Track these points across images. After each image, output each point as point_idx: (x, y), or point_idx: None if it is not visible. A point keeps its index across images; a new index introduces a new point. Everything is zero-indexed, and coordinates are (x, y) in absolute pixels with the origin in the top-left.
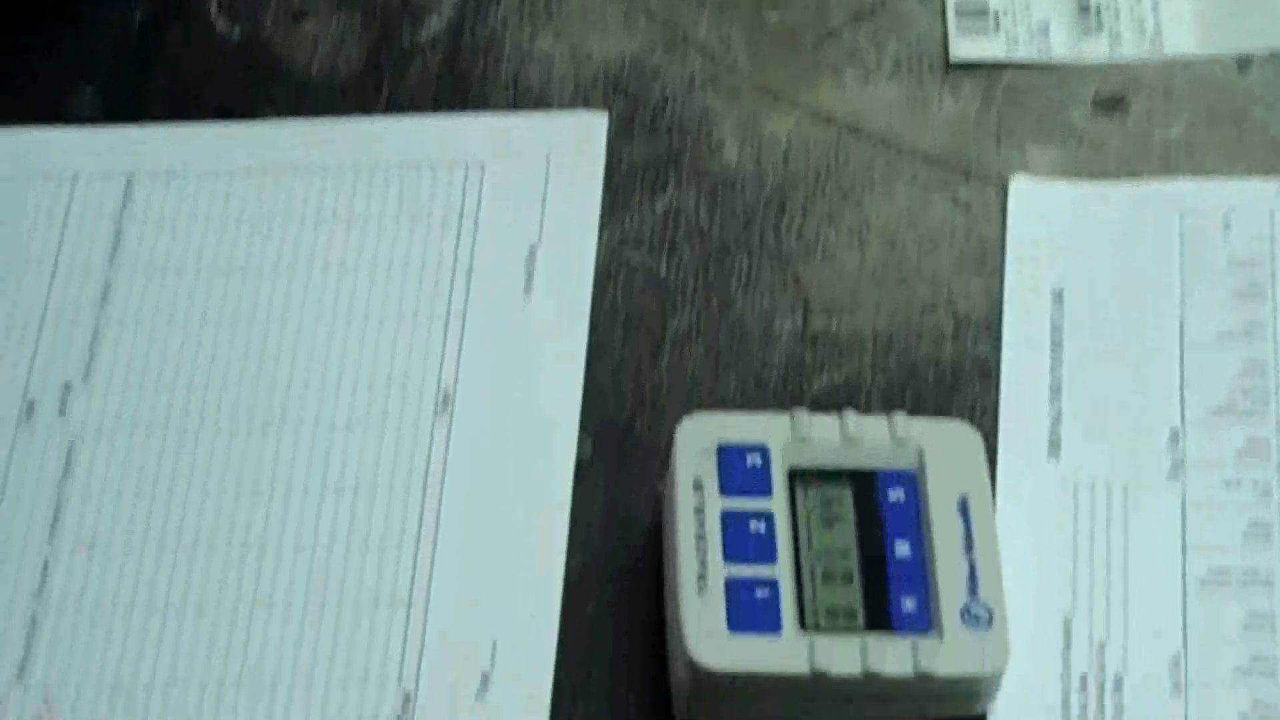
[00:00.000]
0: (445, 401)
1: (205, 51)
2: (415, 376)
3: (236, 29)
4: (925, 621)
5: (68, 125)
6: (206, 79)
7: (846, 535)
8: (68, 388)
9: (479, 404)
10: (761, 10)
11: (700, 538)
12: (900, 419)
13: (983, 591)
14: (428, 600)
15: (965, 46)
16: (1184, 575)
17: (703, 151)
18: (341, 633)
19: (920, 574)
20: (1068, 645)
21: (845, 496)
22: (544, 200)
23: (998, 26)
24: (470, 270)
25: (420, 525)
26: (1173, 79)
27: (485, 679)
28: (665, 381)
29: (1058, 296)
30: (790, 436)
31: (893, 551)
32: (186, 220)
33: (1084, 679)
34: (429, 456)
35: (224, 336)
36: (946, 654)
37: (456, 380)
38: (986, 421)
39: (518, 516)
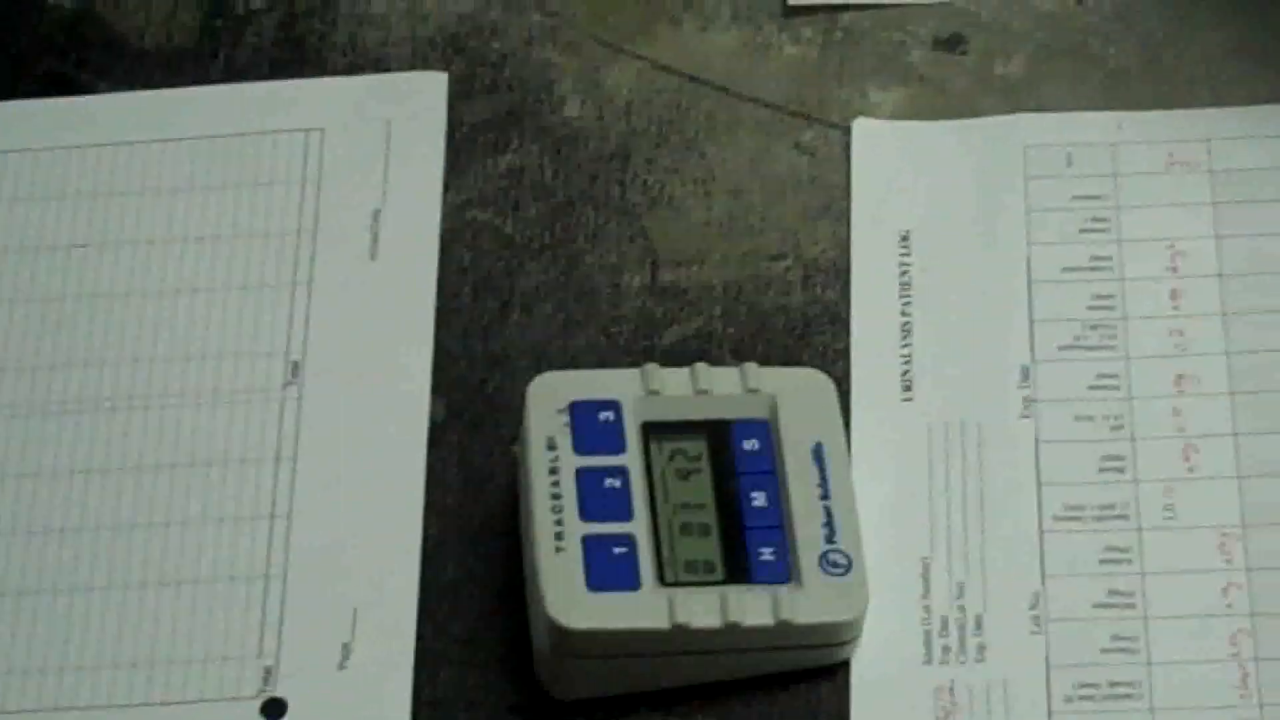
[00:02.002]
0: (294, 371)
1: (36, 24)
2: (263, 347)
3: (67, 1)
4: (784, 570)
5: None
6: (38, 52)
7: (703, 488)
8: None
9: (328, 372)
10: None
11: (556, 497)
12: (752, 369)
13: (840, 538)
14: (285, 572)
15: None
16: (1040, 512)
17: (544, 108)
18: (199, 610)
19: (777, 523)
20: (927, 588)
21: (700, 449)
22: (386, 163)
23: None
24: (314, 237)
25: (274, 497)
26: (1010, 15)
27: (346, 649)
28: (515, 341)
29: (905, 238)
30: (642, 391)
31: (749, 502)
32: (23, 198)
33: (945, 620)
34: (280, 427)
35: (66, 314)
36: (806, 602)
37: (305, 349)
38: (839, 368)
39: (372, 483)
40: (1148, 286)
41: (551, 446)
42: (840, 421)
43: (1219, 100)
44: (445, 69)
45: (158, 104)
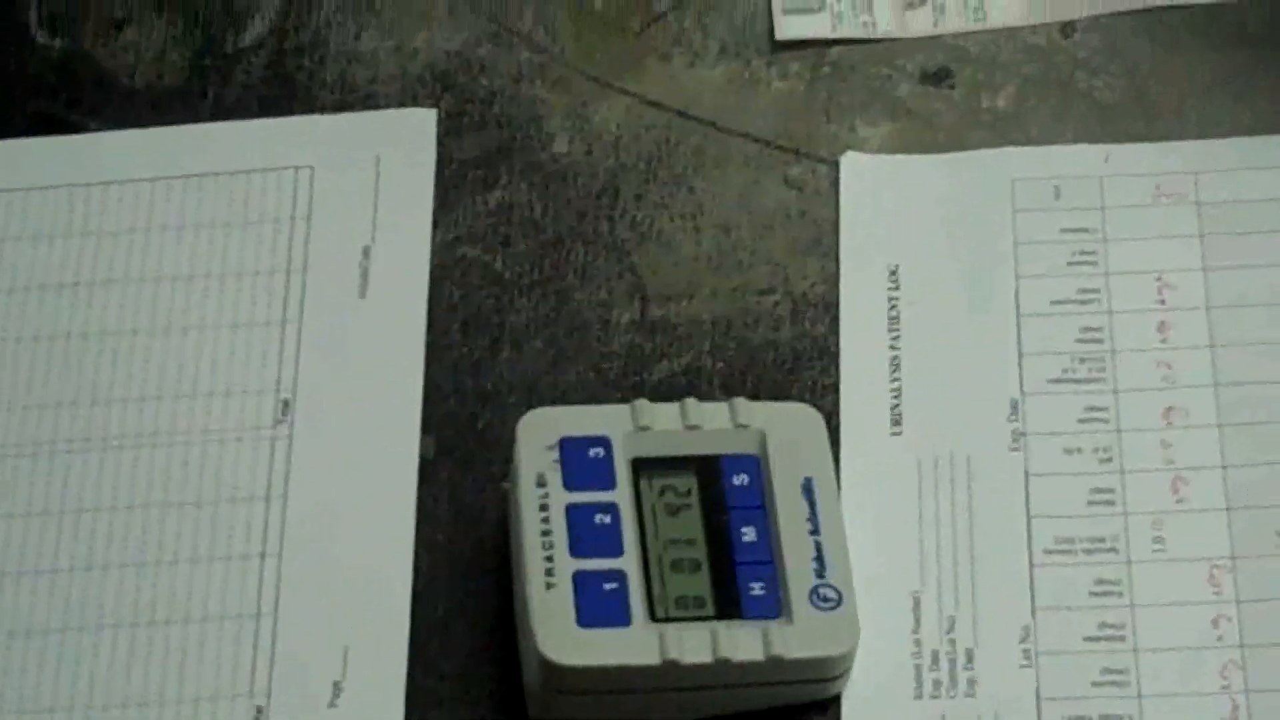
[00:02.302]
0: (285, 409)
1: (26, 63)
2: (254, 385)
3: (57, 41)
4: (774, 605)
5: None
6: (29, 92)
7: (693, 523)
8: None
9: (319, 410)
10: None
11: (546, 533)
12: (741, 404)
13: (830, 573)
14: (276, 611)
15: (790, 25)
16: (1030, 545)
17: (533, 144)
18: (190, 649)
19: (768, 558)
20: (918, 621)
21: (690, 484)
22: (375, 201)
23: (822, 4)
24: (304, 275)
25: (265, 536)
26: (998, 48)
27: (337, 687)
28: (505, 377)
29: (893, 272)
30: (632, 427)
31: (739, 537)
32: (12, 237)
33: (935, 654)
34: (270, 465)
35: (55, 353)
36: (796, 637)
37: (295, 387)
38: (828, 402)
39: (363, 521)
40: (1136, 319)
41: (541, 483)
42: (830, 456)
43: (1206, 132)
44: (434, 106)
45: (147, 142)
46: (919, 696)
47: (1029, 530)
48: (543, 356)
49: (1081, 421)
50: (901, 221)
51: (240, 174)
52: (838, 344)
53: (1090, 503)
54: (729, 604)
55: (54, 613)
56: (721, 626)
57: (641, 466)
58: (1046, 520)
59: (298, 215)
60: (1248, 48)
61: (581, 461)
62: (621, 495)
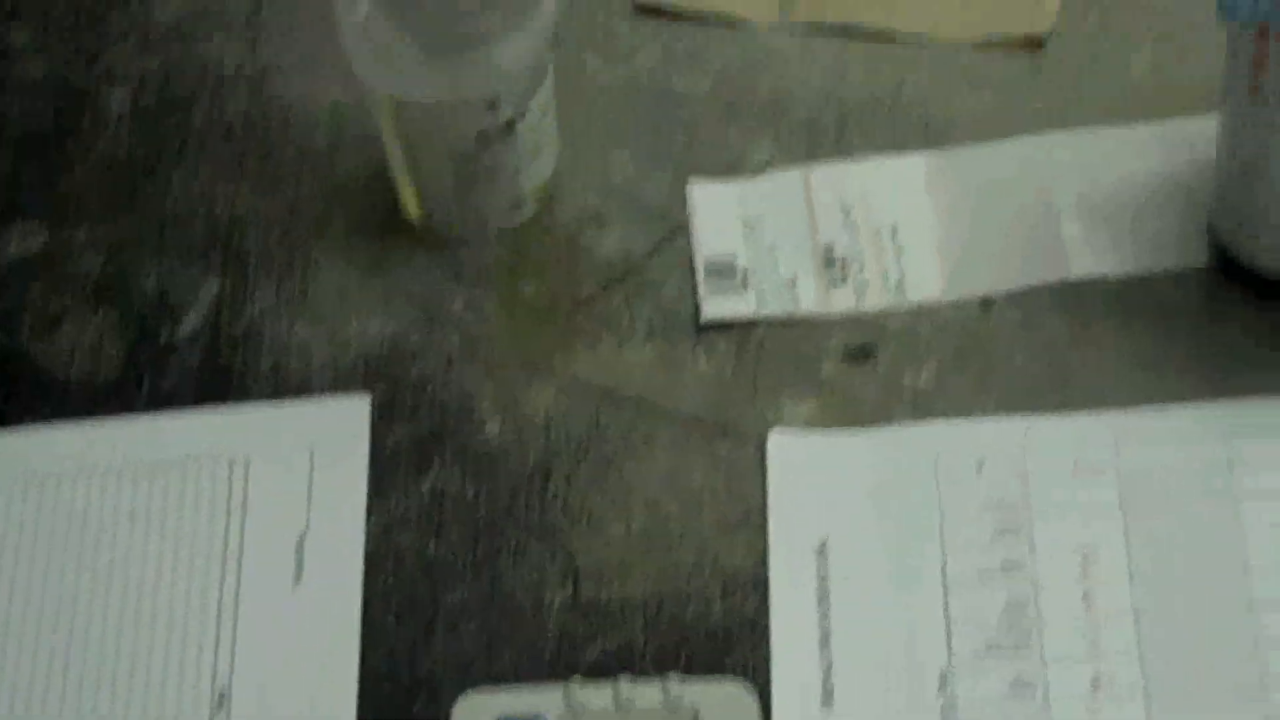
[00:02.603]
0: (221, 701)
1: None
2: (190, 677)
3: None
4: None
5: None
6: None
7: None
8: None
9: (256, 700)
10: (515, 283)
11: None
12: (674, 682)
13: None
14: None
15: (716, 306)
16: None
17: (465, 428)
18: None
19: None
20: None
21: None
22: (310, 488)
23: (746, 284)
24: (240, 564)
25: None
26: (918, 325)
27: None
28: (441, 660)
29: (822, 548)
30: (564, 708)
31: None
32: None
33: None
34: None
35: None
36: None
37: (231, 677)
38: (760, 677)
39: None
40: (1061, 589)
41: None
42: None
43: (1123, 403)
44: (368, 392)
45: (81, 436)
46: None
47: None
48: (477, 639)
49: (1010, 690)
50: (829, 497)
51: (175, 465)
52: (768, 620)
53: None
54: None
55: None
56: None
57: None
58: None
59: (233, 505)
60: (1162, 320)
61: None
62: None
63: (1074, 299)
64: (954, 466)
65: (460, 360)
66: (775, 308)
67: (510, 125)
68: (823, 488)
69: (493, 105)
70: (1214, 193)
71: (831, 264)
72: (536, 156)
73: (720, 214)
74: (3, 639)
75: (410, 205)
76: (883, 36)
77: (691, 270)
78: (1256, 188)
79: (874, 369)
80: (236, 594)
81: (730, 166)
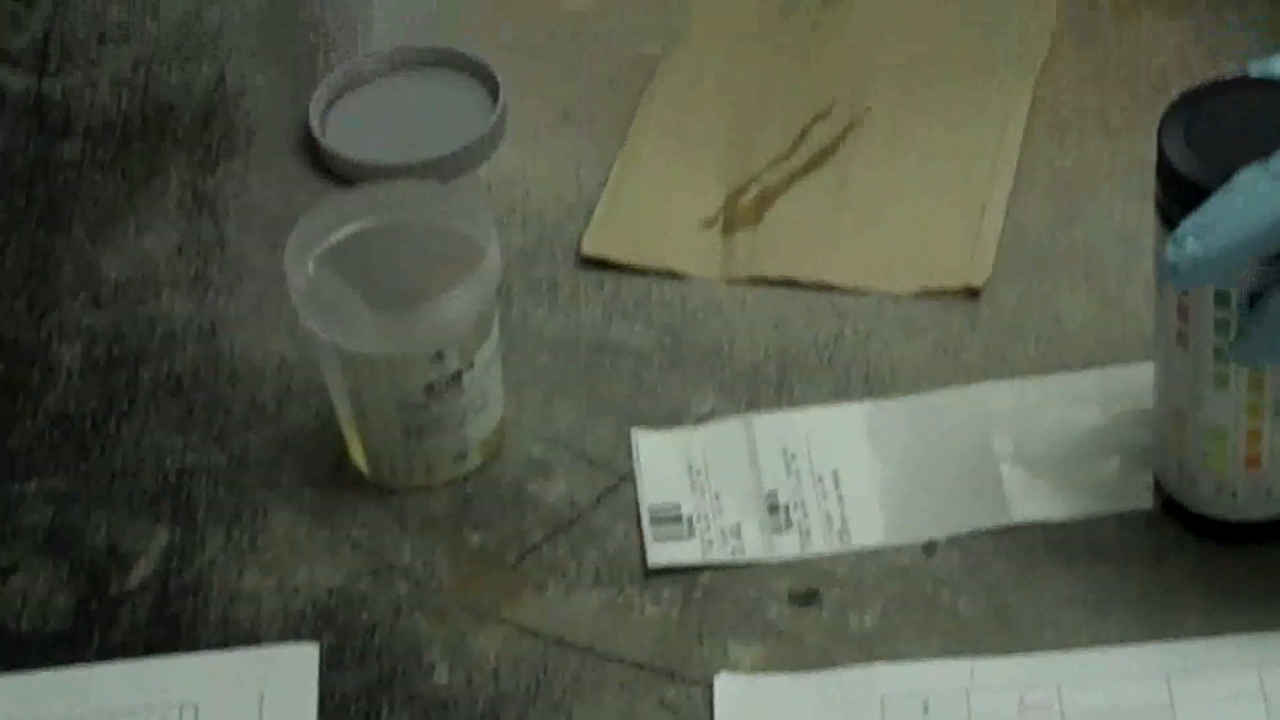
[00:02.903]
0: None
1: None
2: None
3: None
4: None
5: None
6: None
7: None
8: None
9: None
10: (463, 531)
11: None
12: None
13: None
14: None
15: (662, 552)
16: None
17: (414, 675)
18: None
19: None
20: None
21: None
22: None
23: (692, 531)
24: None
25: None
26: (863, 569)
27: None
28: None
29: None
30: None
31: None
32: None
33: None
34: None
35: None
36: None
37: None
38: None
39: None
40: None
41: None
42: None
43: (1068, 644)
44: (316, 640)
45: (31, 687)
46: None
47: None
48: None
49: None
50: None
51: (124, 714)
52: None
53: None
54: None
55: None
56: None
57: None
58: None
59: None
60: (1103, 562)
61: None
62: None
63: (1016, 541)
64: (900, 709)
65: (409, 608)
66: (720, 554)
67: (457, 377)
68: None
69: (439, 357)
70: (1153, 438)
71: (775, 510)
72: (483, 407)
73: (665, 462)
74: None
75: (358, 455)
76: (822, 287)
77: (637, 517)
78: (1188, 433)
79: (819, 613)
80: None
81: (674, 415)
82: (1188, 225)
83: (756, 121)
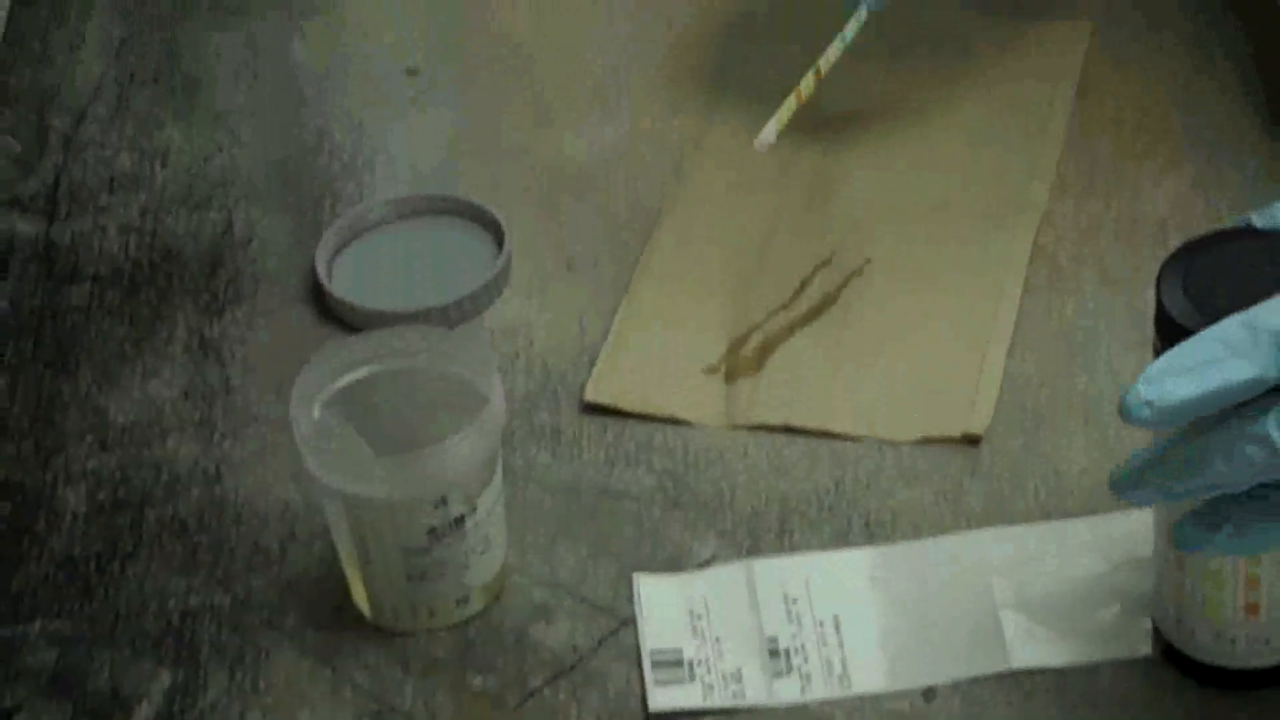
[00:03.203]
0: None
1: None
2: None
3: None
4: None
5: None
6: None
7: None
8: None
9: None
10: (465, 674)
11: None
12: None
13: None
14: None
15: (663, 697)
16: None
17: None
18: None
19: None
20: None
21: None
22: None
23: (693, 675)
24: None
25: None
26: (863, 714)
27: None
28: None
29: None
30: None
31: None
32: None
33: None
34: None
35: None
36: None
37: None
38: None
39: None
40: None
41: None
42: None
43: None
44: None
45: None
46: None
47: None
48: None
49: None
50: None
51: None
52: None
53: None
54: None
55: None
56: None
57: None
58: None
59: None
60: (1103, 709)
61: None
62: None
63: (1016, 688)
64: None
65: None
66: (721, 699)
67: (460, 521)
68: None
69: (443, 502)
70: (1152, 585)
71: (776, 655)
72: (485, 551)
73: (666, 607)
74: None
75: (361, 598)
76: (823, 435)
77: (638, 662)
78: (1186, 580)
79: None
80: None
81: (675, 560)
82: (1154, 369)
83: (758, 270)
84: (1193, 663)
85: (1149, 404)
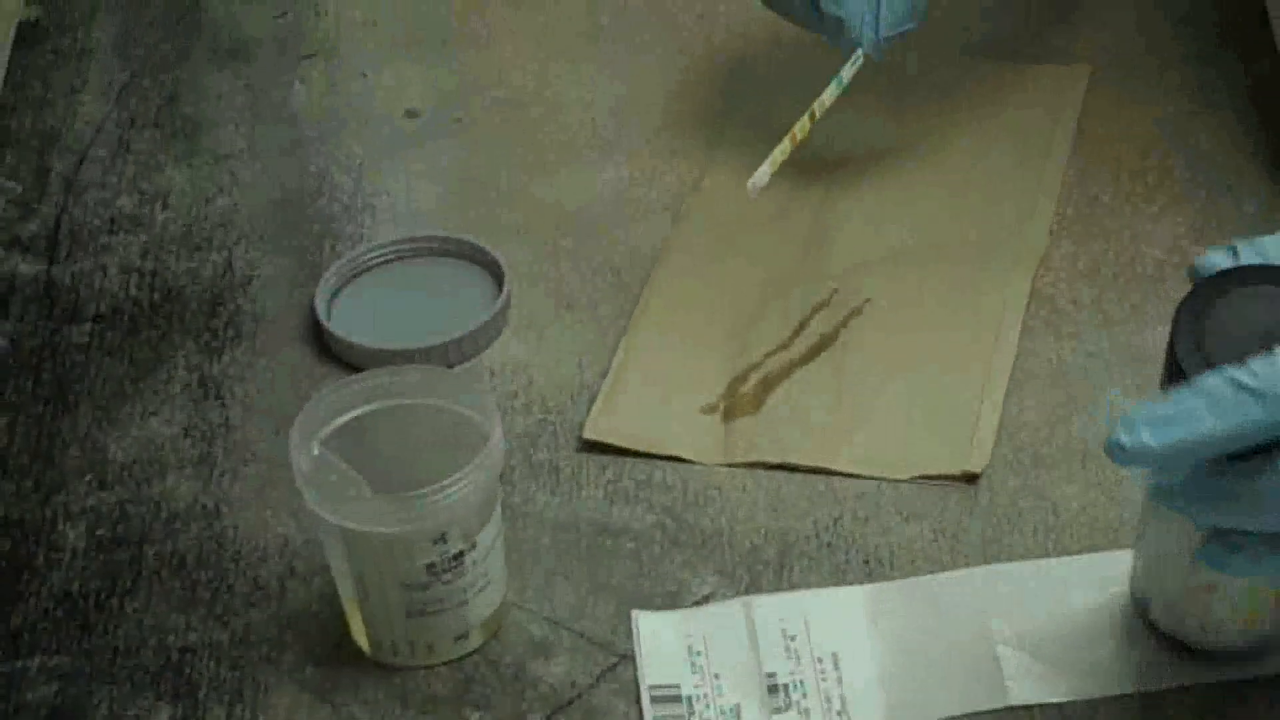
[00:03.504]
0: None
1: None
2: None
3: None
4: None
5: None
6: None
7: None
8: None
9: None
10: (463, 711)
11: None
12: None
13: None
14: None
15: None
16: None
17: None
18: None
19: None
20: None
21: None
22: None
23: (691, 711)
24: None
25: None
26: None
27: None
28: None
29: None
30: None
31: None
32: None
33: None
34: None
35: None
36: None
37: None
38: None
39: None
40: None
41: None
42: None
43: None
44: None
45: None
46: None
47: None
48: None
49: None
50: None
51: None
52: None
53: None
54: None
55: None
56: None
57: None
58: None
59: None
60: None
61: None
62: None
63: None
64: None
65: None
66: None
67: (459, 558)
68: None
69: (442, 539)
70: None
71: (775, 691)
72: (484, 588)
73: (665, 643)
74: None
75: (360, 634)
76: (821, 473)
77: (637, 699)
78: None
79: None
80: None
81: (674, 597)
82: (1144, 412)
83: (757, 310)
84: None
85: (1139, 448)
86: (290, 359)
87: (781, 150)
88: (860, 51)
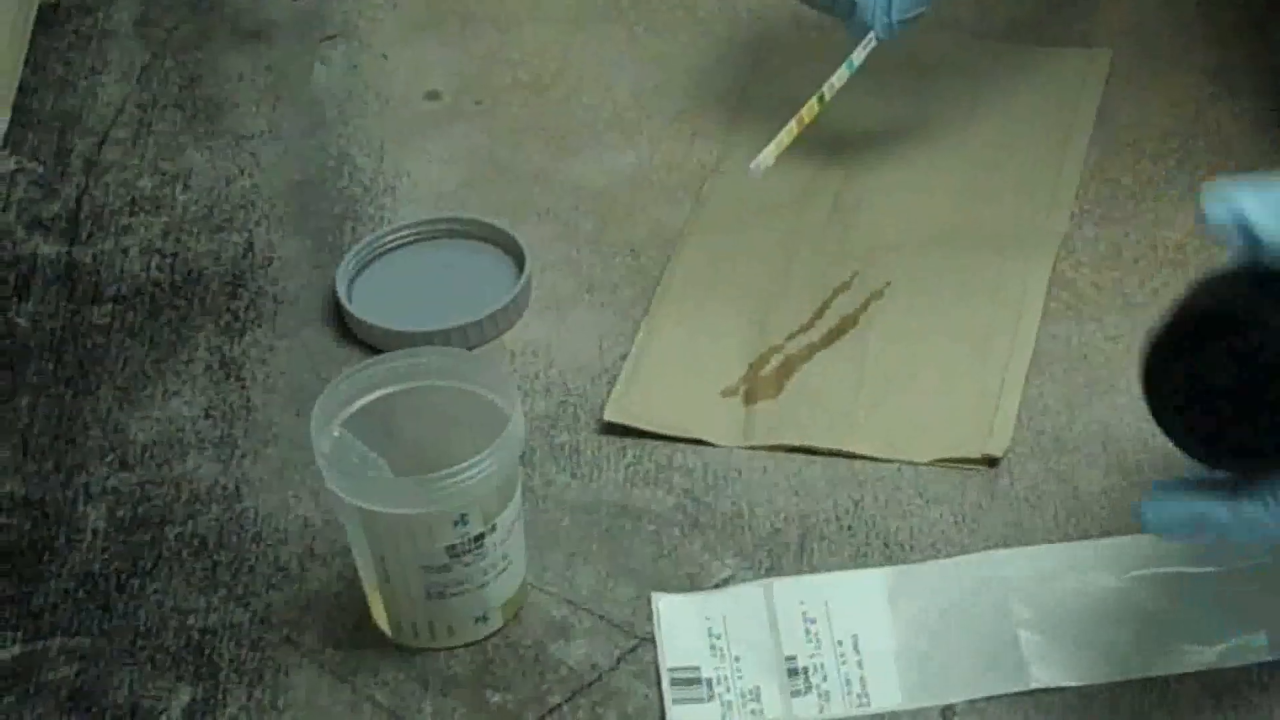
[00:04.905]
0: None
1: None
2: None
3: None
4: None
5: None
6: None
7: None
8: None
9: None
10: (483, 692)
11: None
12: None
13: None
14: None
15: (681, 714)
16: None
17: None
18: None
19: None
20: None
21: None
22: None
23: (711, 693)
24: None
25: None
26: None
27: None
28: None
29: None
30: None
31: None
32: None
33: None
34: None
35: None
36: None
37: None
38: None
39: None
40: None
41: None
42: None
43: None
44: None
45: None
46: None
47: None
48: None
49: None
50: None
51: None
52: None
53: None
54: None
55: None
56: None
57: None
58: None
59: None
60: None
61: None
62: None
63: (1034, 706)
64: None
65: None
66: (740, 717)
67: (479, 539)
68: None
69: (463, 520)
70: None
71: (795, 674)
72: (505, 569)
73: (685, 626)
74: None
75: (380, 615)
76: (841, 455)
77: (657, 680)
78: None
79: None
80: None
81: (694, 579)
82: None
83: (778, 293)
84: None
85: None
86: (311, 341)
87: (788, 132)
88: (872, 34)
